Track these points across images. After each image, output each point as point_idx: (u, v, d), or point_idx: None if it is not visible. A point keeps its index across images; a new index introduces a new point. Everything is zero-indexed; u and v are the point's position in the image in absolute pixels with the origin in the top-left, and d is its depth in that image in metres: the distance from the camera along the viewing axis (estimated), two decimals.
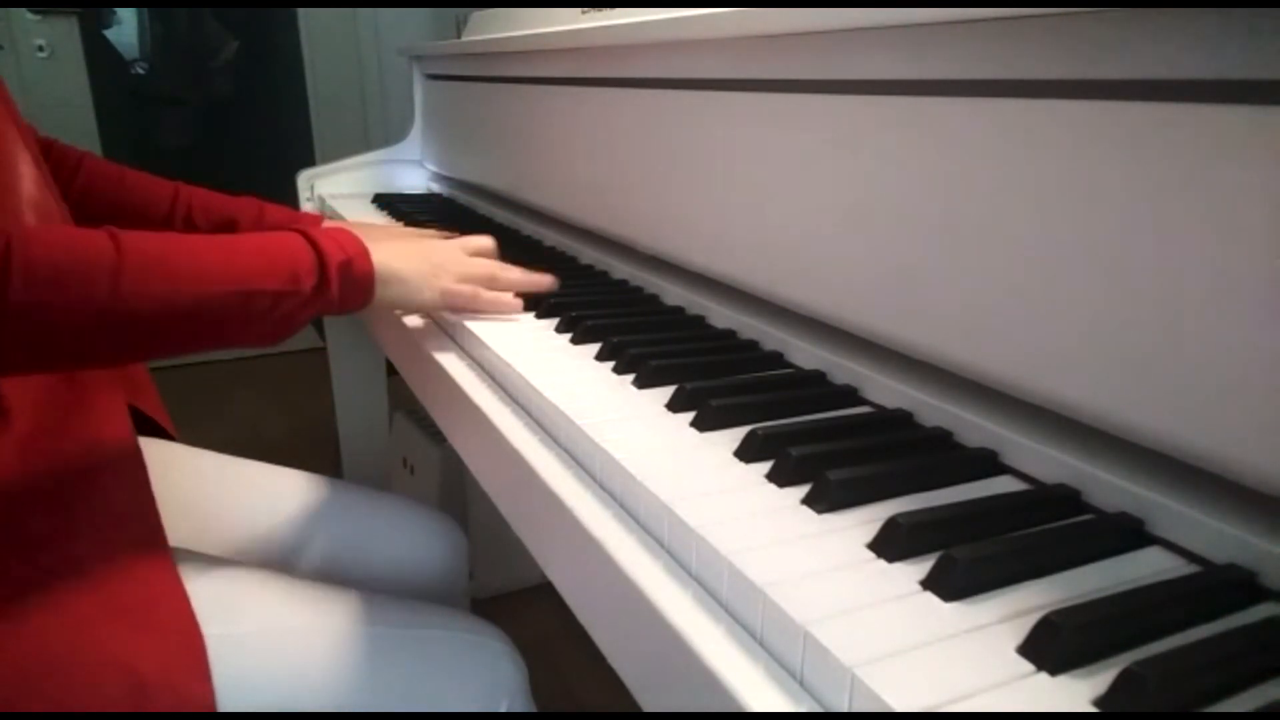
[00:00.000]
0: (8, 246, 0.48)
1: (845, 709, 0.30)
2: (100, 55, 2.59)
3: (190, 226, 0.89)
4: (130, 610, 0.56)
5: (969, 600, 0.35)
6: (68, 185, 0.85)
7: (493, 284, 0.73)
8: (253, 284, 0.57)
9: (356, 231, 0.67)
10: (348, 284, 0.63)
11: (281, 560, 0.80)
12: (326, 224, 0.93)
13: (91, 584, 0.56)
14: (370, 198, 1.42)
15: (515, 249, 1.01)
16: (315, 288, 0.61)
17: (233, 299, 0.56)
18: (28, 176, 0.65)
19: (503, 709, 0.69)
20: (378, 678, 0.64)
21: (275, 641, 0.62)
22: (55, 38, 2.47)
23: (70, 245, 0.51)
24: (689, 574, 0.39)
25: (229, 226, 0.90)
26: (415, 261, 0.69)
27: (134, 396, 0.78)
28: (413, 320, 0.78)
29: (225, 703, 0.57)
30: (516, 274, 0.75)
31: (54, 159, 0.85)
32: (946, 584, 0.35)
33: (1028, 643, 0.32)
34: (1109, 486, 0.42)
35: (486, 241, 0.78)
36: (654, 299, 0.80)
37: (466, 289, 0.70)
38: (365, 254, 0.65)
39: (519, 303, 0.73)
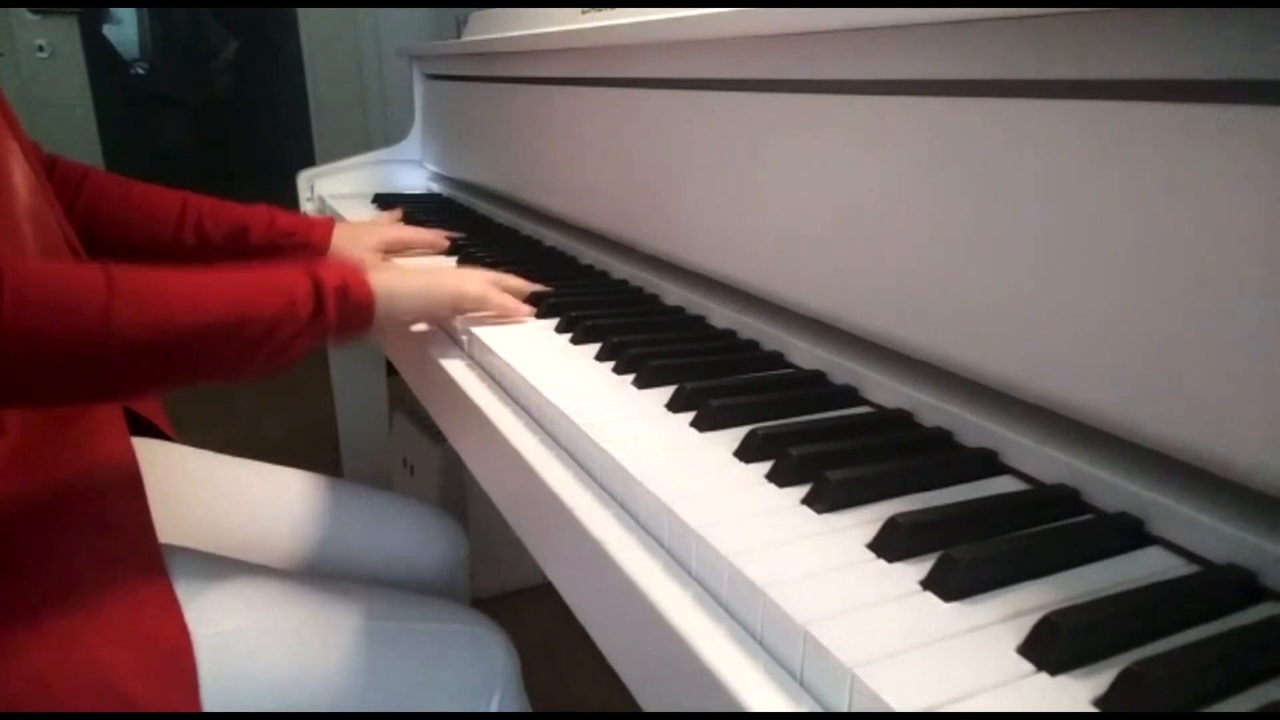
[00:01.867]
0: None
1: (845, 709, 0.30)
2: (100, 55, 2.59)
3: (201, 236, 0.88)
4: (119, 623, 0.55)
5: (969, 600, 0.35)
6: (72, 201, 0.84)
7: (487, 303, 0.72)
8: (247, 309, 0.56)
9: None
10: (345, 308, 0.63)
11: (280, 560, 0.80)
12: (332, 252, 0.92)
13: (81, 597, 0.55)
14: (370, 198, 1.42)
15: (515, 249, 1.01)
16: (312, 313, 0.60)
17: (228, 325, 0.55)
18: (24, 186, 0.64)
19: (495, 701, 0.69)
20: (370, 670, 0.64)
21: (268, 635, 0.62)
22: (55, 38, 2.47)
23: (62, 274, 0.51)
24: (689, 574, 0.39)
25: (241, 234, 0.89)
26: (414, 278, 0.69)
27: (132, 401, 0.78)
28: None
29: (219, 699, 0.57)
30: (516, 282, 0.75)
31: (58, 176, 0.84)
32: (946, 584, 0.35)
33: (1028, 643, 0.32)
34: (1109, 486, 0.42)
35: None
36: (654, 299, 0.80)
37: (474, 289, 0.70)
38: (361, 279, 0.65)
39: (524, 309, 0.74)
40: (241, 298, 0.57)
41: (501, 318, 0.73)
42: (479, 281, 0.72)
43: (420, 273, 0.70)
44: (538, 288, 0.77)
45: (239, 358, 0.57)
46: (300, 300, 0.60)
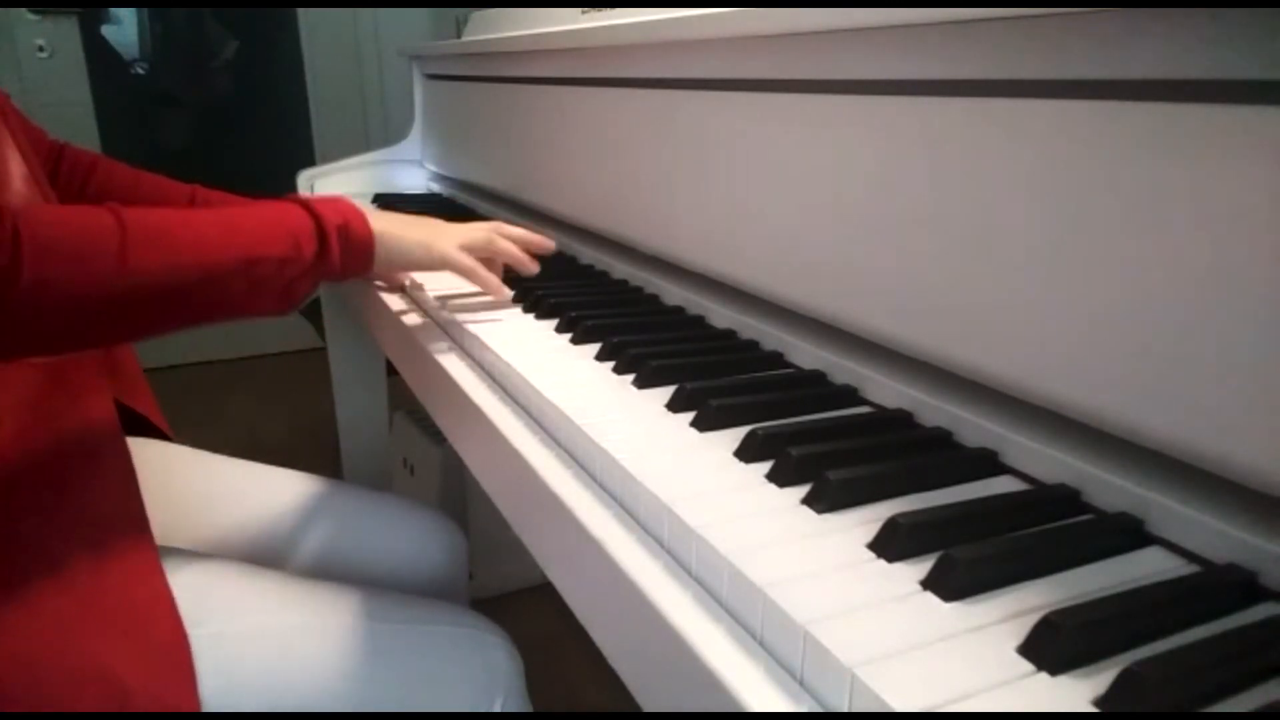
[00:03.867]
0: (15, 226, 0.48)
1: (845, 709, 0.30)
2: (100, 55, 2.59)
3: None
4: (114, 615, 0.56)
5: (969, 600, 0.35)
6: (81, 189, 0.85)
7: (492, 247, 0.75)
8: (255, 250, 0.58)
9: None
10: (348, 247, 0.64)
11: (280, 561, 0.80)
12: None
13: (76, 588, 0.55)
14: (370, 198, 1.42)
15: None
16: (317, 253, 0.62)
17: (237, 266, 0.57)
18: (17, 175, 0.65)
19: (498, 704, 0.69)
20: (372, 673, 0.64)
21: (269, 637, 0.62)
22: (55, 38, 2.47)
23: (75, 221, 0.52)
24: (689, 574, 0.39)
25: None
26: (414, 226, 0.71)
27: (126, 395, 0.78)
28: (413, 320, 0.78)
29: (219, 699, 0.57)
30: (517, 231, 0.77)
31: (67, 163, 0.84)
32: (946, 584, 0.35)
33: (1028, 643, 0.32)
34: (1109, 486, 0.42)
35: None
36: (654, 299, 0.80)
37: (466, 259, 0.72)
38: (362, 218, 0.66)
39: (509, 294, 0.76)
40: (248, 239, 0.58)
41: (490, 296, 0.75)
42: (483, 230, 0.74)
43: (417, 222, 0.72)
44: (536, 238, 0.78)
45: (247, 297, 0.59)
46: (304, 240, 0.61)
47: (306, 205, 0.63)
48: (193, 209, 0.59)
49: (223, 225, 0.58)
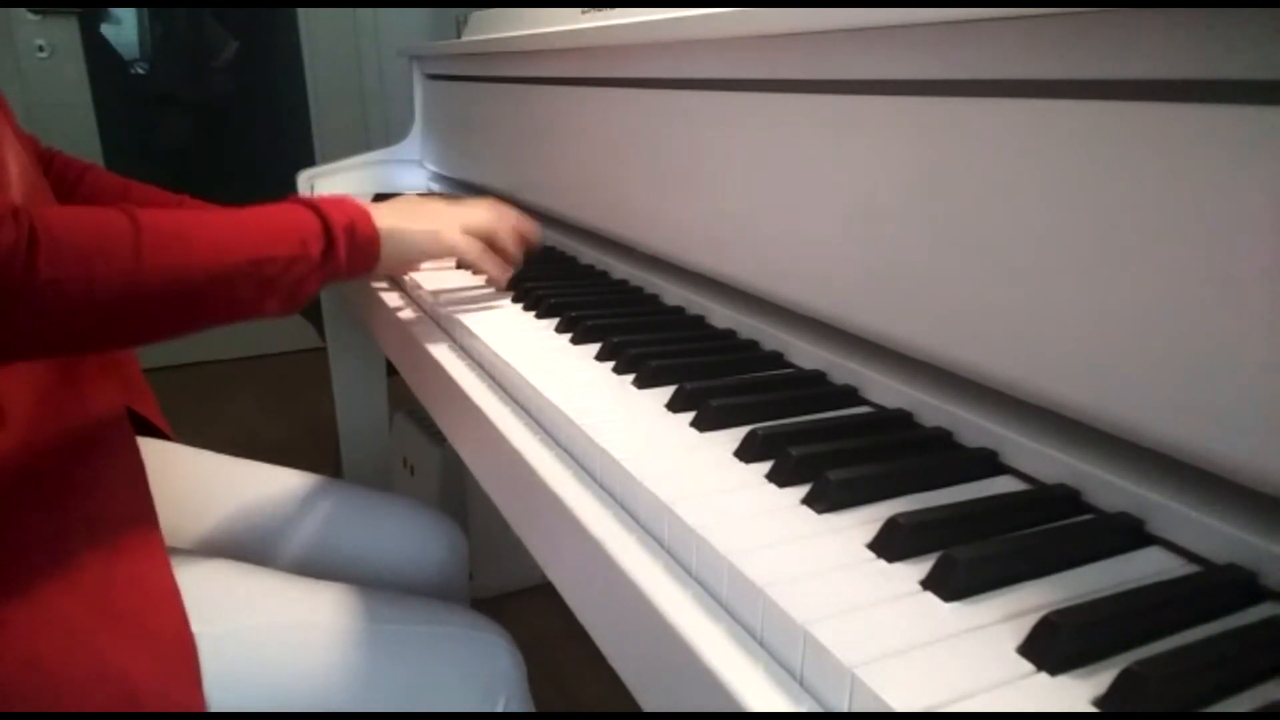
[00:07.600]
0: (31, 225, 0.49)
1: (845, 709, 0.30)
2: (100, 55, 2.59)
3: None
4: (124, 616, 0.56)
5: (969, 600, 0.35)
6: (69, 196, 0.84)
7: (494, 239, 0.76)
8: (264, 251, 0.59)
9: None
10: (354, 247, 0.65)
11: (280, 560, 0.80)
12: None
13: (85, 588, 0.55)
14: (370, 198, 1.42)
15: None
16: (323, 252, 0.62)
17: (247, 266, 0.58)
18: (17, 175, 0.65)
19: (500, 704, 0.69)
20: (375, 673, 0.64)
21: (271, 637, 0.62)
22: (55, 38, 2.47)
23: (91, 221, 0.52)
24: (689, 574, 0.39)
25: None
26: (418, 217, 0.71)
27: (130, 399, 0.78)
28: (412, 320, 0.78)
29: (221, 698, 0.57)
30: (516, 222, 0.79)
31: (56, 170, 0.84)
32: (946, 584, 0.35)
33: (1028, 643, 0.32)
34: (1109, 486, 0.42)
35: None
36: (654, 299, 0.80)
37: (475, 246, 0.73)
38: (367, 216, 0.67)
39: (507, 275, 0.77)
40: (257, 239, 0.59)
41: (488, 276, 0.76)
42: (486, 216, 0.75)
43: (420, 211, 0.72)
44: (529, 229, 0.80)
45: (255, 297, 0.59)
46: (311, 240, 0.62)
47: (313, 206, 0.64)
48: (200, 211, 0.59)
49: (233, 226, 0.59)
